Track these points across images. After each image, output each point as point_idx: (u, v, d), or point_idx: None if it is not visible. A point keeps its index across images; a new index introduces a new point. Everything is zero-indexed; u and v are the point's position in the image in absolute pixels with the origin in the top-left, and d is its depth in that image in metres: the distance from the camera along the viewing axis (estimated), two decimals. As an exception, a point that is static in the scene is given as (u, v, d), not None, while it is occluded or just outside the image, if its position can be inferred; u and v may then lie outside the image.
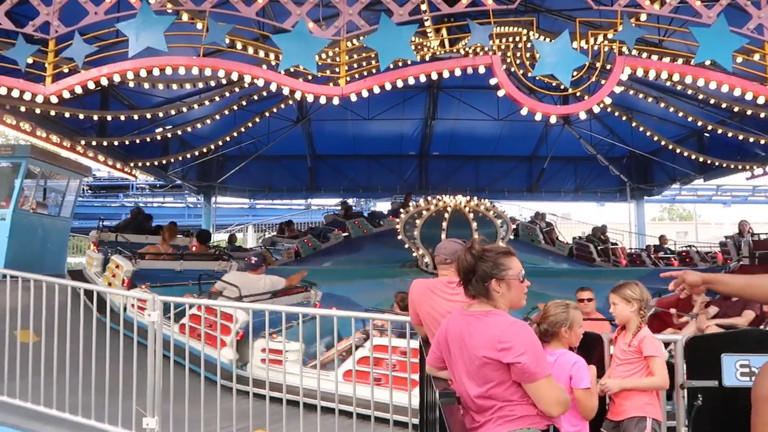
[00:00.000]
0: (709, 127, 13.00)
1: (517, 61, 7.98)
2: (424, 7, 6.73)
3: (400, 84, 6.95)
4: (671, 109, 12.54)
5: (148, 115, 11.89)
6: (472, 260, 2.48)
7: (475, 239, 2.63)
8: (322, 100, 6.91)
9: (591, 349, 3.79)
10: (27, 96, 6.69)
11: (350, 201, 19.63)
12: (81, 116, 10.52)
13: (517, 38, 8.64)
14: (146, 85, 10.40)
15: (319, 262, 13.69)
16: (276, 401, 4.66)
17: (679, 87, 10.39)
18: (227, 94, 11.58)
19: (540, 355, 2.35)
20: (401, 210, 14.73)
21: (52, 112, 9.66)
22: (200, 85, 11.02)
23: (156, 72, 6.81)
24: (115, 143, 12.28)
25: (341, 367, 5.34)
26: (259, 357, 5.77)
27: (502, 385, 2.35)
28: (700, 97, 11.16)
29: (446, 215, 11.55)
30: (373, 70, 7.64)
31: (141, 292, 7.42)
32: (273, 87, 6.93)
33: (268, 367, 4.66)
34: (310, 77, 7.20)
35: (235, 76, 7.08)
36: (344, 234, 15.18)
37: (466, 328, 2.45)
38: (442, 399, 2.40)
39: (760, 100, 6.80)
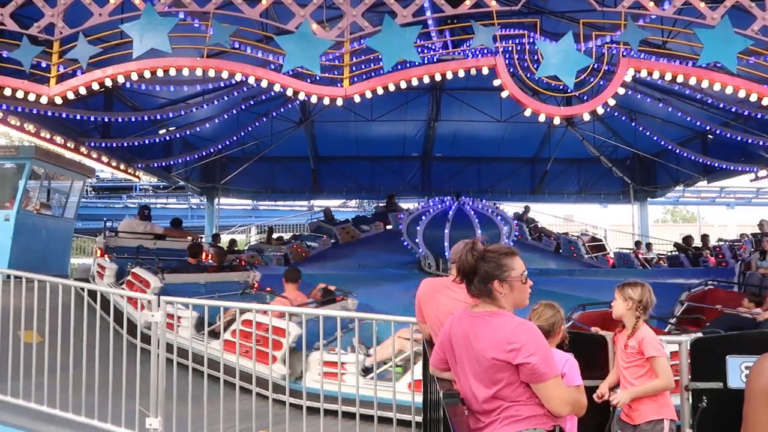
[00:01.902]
0: (713, 129, 12.97)
1: (524, 63, 7.97)
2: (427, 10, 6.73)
3: (403, 85, 6.94)
4: (674, 111, 12.51)
5: (152, 116, 11.92)
6: (473, 260, 2.46)
7: (477, 239, 2.60)
8: (326, 101, 6.91)
9: (595, 349, 3.79)
10: (32, 97, 6.71)
11: (353, 203, 19.63)
12: (85, 117, 10.55)
13: (523, 39, 8.63)
14: (150, 86, 10.42)
15: (350, 250, 13.78)
16: (279, 402, 4.66)
17: (683, 88, 10.37)
18: (231, 95, 11.60)
19: (549, 355, 2.35)
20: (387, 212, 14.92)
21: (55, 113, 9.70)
22: (209, 85, 11.04)
23: (160, 73, 6.82)
24: (119, 144, 12.32)
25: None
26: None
27: (511, 386, 2.34)
28: (704, 98, 11.14)
29: (449, 216, 11.56)
30: (379, 71, 7.63)
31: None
32: (276, 88, 6.93)
33: (272, 369, 4.66)
34: (316, 78, 7.20)
35: (238, 77, 7.09)
36: (332, 240, 15.19)
37: (471, 330, 2.44)
38: (446, 400, 2.39)
39: (765, 102, 6.78)
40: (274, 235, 17.61)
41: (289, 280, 7.44)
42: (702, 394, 3.53)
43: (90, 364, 4.63)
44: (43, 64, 6.68)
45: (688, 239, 15.34)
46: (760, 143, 12.27)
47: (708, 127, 13.02)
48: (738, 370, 3.55)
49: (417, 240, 11.85)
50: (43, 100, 6.72)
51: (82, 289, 5.65)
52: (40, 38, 6.58)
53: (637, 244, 17.57)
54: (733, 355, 3.57)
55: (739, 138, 12.54)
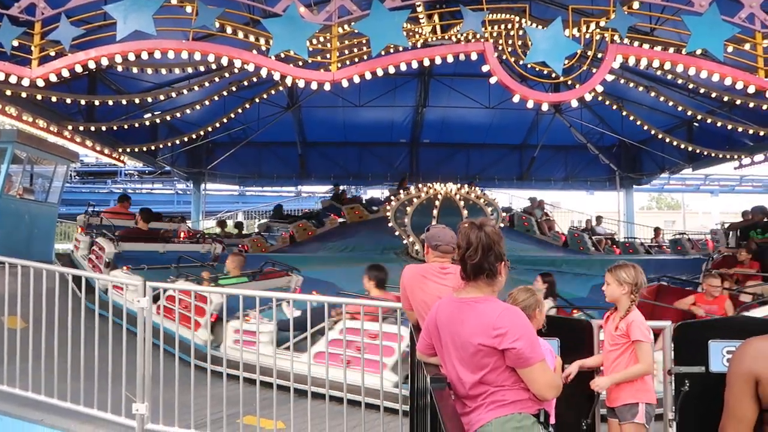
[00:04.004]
0: (699, 117, 13.06)
1: (509, 49, 7.95)
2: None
3: (391, 70, 6.91)
4: (661, 99, 12.57)
5: (137, 100, 11.74)
6: (488, 239, 2.44)
7: (483, 219, 2.58)
8: (313, 86, 6.86)
9: (580, 335, 3.83)
10: (13, 79, 6.58)
11: (341, 188, 19.55)
12: (68, 101, 10.37)
13: (509, 25, 8.61)
14: (135, 70, 10.25)
15: (314, 247, 13.65)
16: (266, 386, 4.66)
17: (669, 76, 10.41)
18: (217, 79, 11.46)
19: (534, 340, 2.36)
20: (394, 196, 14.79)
21: (39, 96, 9.53)
22: (189, 69, 10.91)
23: (144, 56, 6.70)
24: (103, 128, 12.12)
25: (312, 348, 5.26)
26: (232, 338, 5.98)
27: (496, 370, 2.35)
28: (690, 86, 11.19)
29: (437, 203, 11.56)
30: (365, 56, 7.59)
31: (124, 274, 7.52)
32: (264, 72, 6.86)
33: (259, 352, 4.65)
34: (300, 63, 7.14)
35: (225, 61, 7.00)
36: (340, 219, 15.10)
37: (457, 315, 2.45)
38: (433, 384, 2.40)
39: (751, 90, 6.83)
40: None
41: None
42: (684, 378, 3.58)
43: (75, 350, 4.59)
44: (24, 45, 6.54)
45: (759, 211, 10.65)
46: (743, 130, 12.37)
47: (689, 113, 13.02)
48: (720, 354, 3.60)
49: (405, 227, 11.87)
50: (25, 82, 6.59)
51: (67, 275, 5.60)
52: (21, 19, 6.44)
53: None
54: (715, 339, 3.62)
55: (724, 126, 12.63)
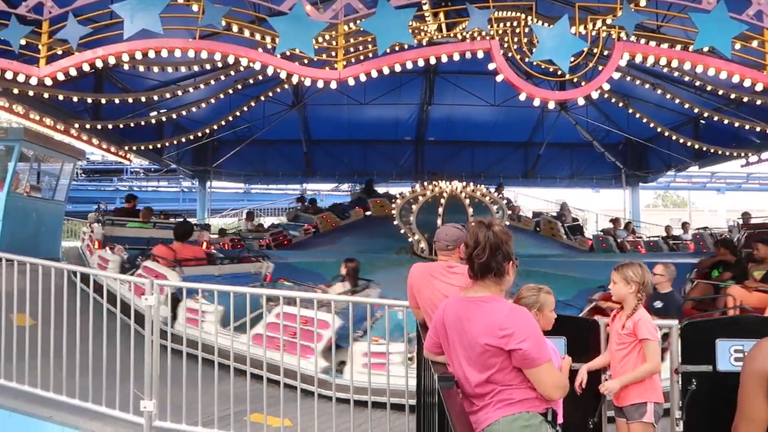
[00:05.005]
0: (705, 114, 12.99)
1: (515, 46, 7.93)
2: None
3: (397, 68, 6.90)
4: (668, 96, 12.51)
5: (143, 99, 11.78)
6: (496, 239, 2.44)
7: (490, 218, 2.57)
8: (320, 84, 6.86)
9: (587, 334, 3.83)
10: (21, 78, 6.61)
11: (346, 186, 19.56)
12: (75, 99, 10.42)
13: (516, 23, 8.59)
14: (141, 68, 10.28)
15: (336, 238, 13.66)
16: (274, 384, 4.68)
17: (676, 73, 10.36)
18: (222, 77, 11.49)
19: (541, 341, 2.36)
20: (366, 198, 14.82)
21: (46, 95, 9.57)
22: (195, 68, 10.93)
23: (151, 55, 6.72)
24: (110, 126, 12.18)
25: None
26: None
27: (503, 370, 2.35)
28: (697, 83, 11.14)
29: (442, 201, 11.56)
30: (371, 55, 7.59)
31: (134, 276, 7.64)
32: (269, 71, 6.87)
33: (266, 349, 4.67)
34: (306, 61, 7.14)
35: (231, 59, 7.01)
36: (367, 212, 15.10)
37: (465, 314, 2.45)
38: (440, 383, 2.41)
39: (758, 87, 6.80)
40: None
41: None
42: (692, 377, 3.58)
43: (84, 348, 4.62)
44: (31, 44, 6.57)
45: None
46: (750, 128, 12.31)
47: (696, 110, 12.95)
48: (727, 353, 3.60)
49: (410, 225, 11.87)
50: (33, 81, 6.62)
51: (75, 273, 5.62)
52: (29, 18, 6.46)
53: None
54: (722, 338, 3.62)
55: (731, 123, 12.56)
